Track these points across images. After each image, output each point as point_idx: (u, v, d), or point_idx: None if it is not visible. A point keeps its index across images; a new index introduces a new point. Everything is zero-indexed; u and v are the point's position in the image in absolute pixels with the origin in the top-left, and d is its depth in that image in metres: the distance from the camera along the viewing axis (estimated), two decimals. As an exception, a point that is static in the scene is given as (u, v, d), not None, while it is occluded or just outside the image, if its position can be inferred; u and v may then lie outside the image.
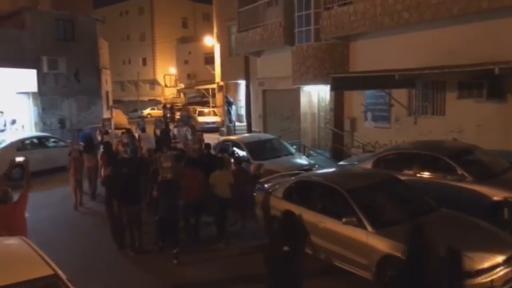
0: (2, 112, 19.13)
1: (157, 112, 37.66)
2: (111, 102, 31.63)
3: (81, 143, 14.24)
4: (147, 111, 45.68)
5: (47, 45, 21.75)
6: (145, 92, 55.03)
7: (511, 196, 7.79)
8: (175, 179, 8.26)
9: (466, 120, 11.70)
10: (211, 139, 20.75)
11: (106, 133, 16.89)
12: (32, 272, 4.00)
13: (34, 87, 20.79)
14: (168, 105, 31.57)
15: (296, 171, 10.38)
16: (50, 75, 21.92)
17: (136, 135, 14.90)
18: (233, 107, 24.91)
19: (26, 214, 6.30)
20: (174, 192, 8.03)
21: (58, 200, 12.97)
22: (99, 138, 16.30)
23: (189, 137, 15.51)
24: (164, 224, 8.05)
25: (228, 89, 26.52)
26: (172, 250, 7.97)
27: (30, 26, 21.40)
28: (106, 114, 26.69)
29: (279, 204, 8.25)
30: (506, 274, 5.81)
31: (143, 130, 16.50)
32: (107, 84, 29.39)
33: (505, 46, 10.48)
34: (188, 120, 21.65)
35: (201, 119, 29.58)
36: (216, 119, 29.36)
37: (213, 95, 34.43)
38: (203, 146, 12.10)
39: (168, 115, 24.99)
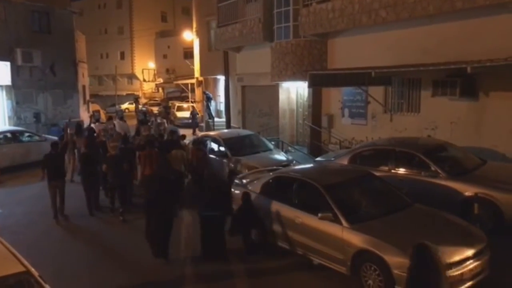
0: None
1: (134, 107, 37.19)
2: (88, 97, 31.11)
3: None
4: (125, 106, 45.10)
5: (22, 37, 21.26)
6: (123, 87, 54.11)
7: (481, 191, 8.03)
8: (118, 154, 10.52)
9: (440, 118, 11.95)
10: (189, 135, 20.69)
11: (98, 120, 18.66)
12: (2, 269, 3.93)
13: (7, 80, 20.30)
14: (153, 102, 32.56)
15: (274, 167, 10.43)
16: (25, 68, 21.44)
17: (116, 123, 16.60)
18: (212, 102, 24.88)
19: (-2, 210, 6.17)
20: (119, 164, 10.21)
21: (32, 195, 12.72)
22: (92, 125, 17.77)
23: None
24: (113, 189, 10.39)
25: (207, 84, 26.46)
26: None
27: (3, 17, 20.84)
28: (82, 109, 26.30)
29: (257, 200, 8.29)
30: (475, 267, 5.98)
31: (121, 118, 18.85)
32: (84, 78, 28.89)
33: (478, 45, 10.71)
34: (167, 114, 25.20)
35: (180, 114, 29.39)
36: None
37: (192, 90, 34.17)
38: (167, 133, 14.26)
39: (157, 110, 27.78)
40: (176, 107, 31.32)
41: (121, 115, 20.53)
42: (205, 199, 8.25)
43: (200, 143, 12.91)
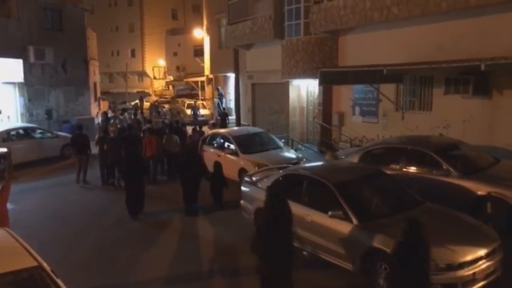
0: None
1: (145, 104, 37.44)
2: (99, 94, 31.34)
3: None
4: (134, 103, 45.30)
5: (34, 34, 21.44)
6: (134, 84, 54.24)
7: (494, 191, 7.91)
8: (117, 137, 13.26)
9: (452, 116, 11.82)
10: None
11: (114, 111, 23.27)
12: (15, 264, 3.96)
13: (20, 77, 20.49)
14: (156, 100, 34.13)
15: (284, 165, 10.34)
16: (37, 65, 21.63)
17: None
18: (223, 100, 24.85)
19: (10, 206, 6.23)
20: (118, 146, 12.80)
21: (44, 191, 12.86)
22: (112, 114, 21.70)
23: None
24: (112, 166, 13.12)
25: (217, 82, 26.52)
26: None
27: (16, 14, 21.05)
28: (94, 106, 26.48)
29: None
30: (488, 267, 5.90)
31: (136, 110, 23.20)
32: (95, 75, 29.10)
33: (492, 42, 10.58)
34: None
35: (190, 112, 29.45)
36: (205, 112, 29.28)
37: (202, 88, 34.24)
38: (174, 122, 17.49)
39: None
40: (186, 104, 31.43)
41: (136, 108, 26.99)
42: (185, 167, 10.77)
43: (196, 130, 15.22)
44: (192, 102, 31.53)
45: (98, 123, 19.26)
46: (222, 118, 22.06)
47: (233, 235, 8.81)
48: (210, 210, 10.49)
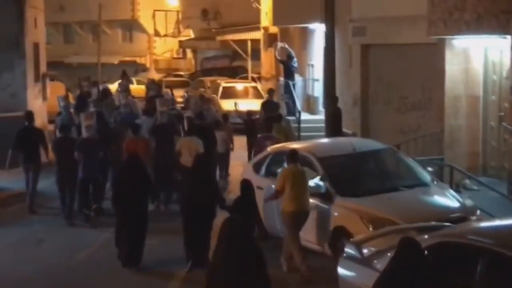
0: None
1: (137, 88, 23.65)
2: (44, 68, 18.25)
3: None
4: (115, 86, 22.15)
5: None
6: (115, 47, 33.94)
7: None
8: (95, 137, 10.15)
9: None
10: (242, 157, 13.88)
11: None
12: None
13: None
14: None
15: (434, 223, 6.82)
16: None
17: None
18: (297, 79, 17.29)
19: None
20: (95, 151, 9.91)
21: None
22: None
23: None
24: (86, 185, 9.91)
25: (286, 41, 18.99)
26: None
27: None
28: (33, 91, 16.44)
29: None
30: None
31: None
32: (36, 28, 16.94)
33: None
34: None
35: (227, 104, 18.34)
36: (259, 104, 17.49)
37: (255, 55, 25.22)
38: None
39: None
40: (220, 88, 20.02)
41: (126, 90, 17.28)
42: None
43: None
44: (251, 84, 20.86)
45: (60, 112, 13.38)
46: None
47: None
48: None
